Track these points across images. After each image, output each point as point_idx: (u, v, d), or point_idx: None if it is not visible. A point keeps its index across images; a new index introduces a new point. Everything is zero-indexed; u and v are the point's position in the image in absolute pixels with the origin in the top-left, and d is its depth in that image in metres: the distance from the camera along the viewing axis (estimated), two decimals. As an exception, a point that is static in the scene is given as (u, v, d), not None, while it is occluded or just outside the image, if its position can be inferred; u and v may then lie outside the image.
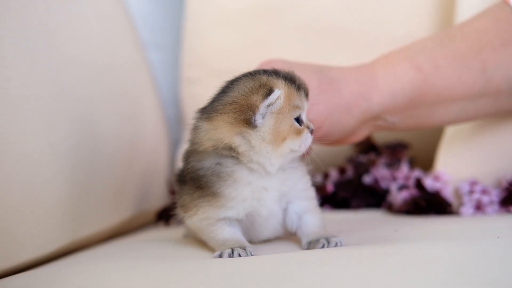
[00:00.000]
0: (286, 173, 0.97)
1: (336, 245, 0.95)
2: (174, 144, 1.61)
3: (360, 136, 1.14)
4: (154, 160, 1.43)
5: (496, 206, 1.20)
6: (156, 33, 1.67)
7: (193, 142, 0.97)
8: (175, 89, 1.64)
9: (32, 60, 1.05)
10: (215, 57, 1.52)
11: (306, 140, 0.95)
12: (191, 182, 0.96)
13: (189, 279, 0.83)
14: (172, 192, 1.43)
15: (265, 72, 0.95)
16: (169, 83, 1.66)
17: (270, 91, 0.91)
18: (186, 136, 1.56)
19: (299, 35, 1.46)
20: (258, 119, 0.92)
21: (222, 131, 0.93)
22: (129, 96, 1.35)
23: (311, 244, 0.96)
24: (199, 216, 0.97)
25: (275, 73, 0.95)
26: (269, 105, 0.92)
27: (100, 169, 1.19)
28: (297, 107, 0.94)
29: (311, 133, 0.95)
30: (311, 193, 1.00)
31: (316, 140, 0.99)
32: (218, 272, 0.85)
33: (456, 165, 1.24)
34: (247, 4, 1.50)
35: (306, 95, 0.96)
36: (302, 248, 0.98)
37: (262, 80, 0.93)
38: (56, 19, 1.14)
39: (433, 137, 1.40)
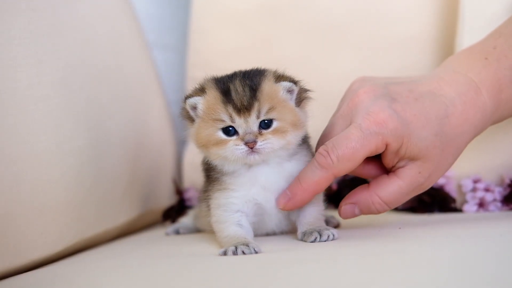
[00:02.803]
0: (290, 165, 0.99)
1: (328, 238, 0.96)
2: (180, 143, 1.61)
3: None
4: (160, 159, 1.44)
5: (499, 204, 1.20)
6: (161, 33, 1.67)
7: None
8: (180, 89, 1.64)
9: (40, 61, 1.06)
10: (221, 57, 1.52)
11: (233, 151, 0.95)
12: (204, 171, 1.03)
13: (196, 277, 0.84)
14: (178, 192, 1.44)
15: (223, 77, 0.98)
16: (175, 83, 1.66)
17: (191, 96, 0.97)
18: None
19: (304, 34, 1.46)
20: (192, 116, 0.99)
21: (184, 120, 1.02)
22: (135, 96, 1.36)
23: (305, 236, 0.98)
24: (214, 204, 1.00)
25: (223, 81, 0.97)
26: (194, 108, 0.98)
27: (107, 169, 1.19)
28: (220, 120, 0.95)
29: (251, 145, 0.94)
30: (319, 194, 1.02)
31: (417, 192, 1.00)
32: (224, 270, 0.85)
33: (459, 161, 1.24)
34: (253, 4, 1.50)
35: (239, 110, 0.94)
36: (297, 238, 1.00)
37: (206, 83, 0.98)
38: (63, 21, 1.15)
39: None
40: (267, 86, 0.97)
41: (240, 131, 0.95)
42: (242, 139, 0.95)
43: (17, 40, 1.02)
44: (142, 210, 1.33)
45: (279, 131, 0.96)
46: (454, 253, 0.85)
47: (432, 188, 1.23)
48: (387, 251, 0.88)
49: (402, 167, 1.00)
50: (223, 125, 0.95)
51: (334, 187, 1.36)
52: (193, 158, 1.52)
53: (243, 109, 0.94)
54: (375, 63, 1.37)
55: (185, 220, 1.24)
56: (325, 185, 0.98)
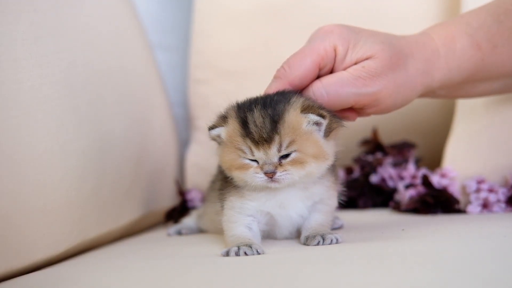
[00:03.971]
0: (310, 189, 0.99)
1: (331, 242, 0.96)
2: (183, 144, 1.61)
3: (409, 102, 1.11)
4: (162, 160, 1.44)
5: (502, 205, 1.20)
6: (164, 34, 1.68)
7: None
8: (183, 89, 1.65)
9: (43, 62, 1.06)
10: (223, 58, 1.52)
11: (253, 178, 0.94)
12: (221, 171, 1.02)
13: (198, 278, 0.84)
14: (181, 192, 1.44)
15: (245, 105, 0.96)
16: (177, 84, 1.66)
17: (213, 127, 0.97)
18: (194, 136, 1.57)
19: (306, 35, 1.46)
20: (217, 141, 0.99)
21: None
22: (137, 97, 1.36)
23: (308, 240, 0.98)
24: (228, 206, 1.00)
25: (245, 110, 0.95)
26: (217, 135, 0.98)
27: (110, 170, 1.20)
28: (241, 150, 0.95)
29: (270, 175, 0.93)
30: (331, 206, 1.03)
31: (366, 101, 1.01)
32: (226, 271, 0.85)
33: (463, 162, 1.24)
34: (255, 5, 1.50)
35: (257, 143, 0.93)
36: (300, 243, 0.99)
37: (228, 111, 0.98)
38: (66, 22, 1.15)
39: (440, 137, 1.40)
40: (291, 117, 0.94)
41: (259, 161, 0.94)
42: (262, 168, 0.94)
43: (19, 41, 1.02)
44: (144, 211, 1.33)
45: (298, 162, 0.94)
46: (458, 254, 0.84)
47: (435, 189, 1.23)
48: (390, 252, 0.88)
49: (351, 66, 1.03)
50: (243, 155, 0.95)
51: (339, 186, 1.36)
52: (195, 159, 1.52)
53: (262, 142, 0.93)
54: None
55: (187, 221, 1.24)
56: None
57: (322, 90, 1.00)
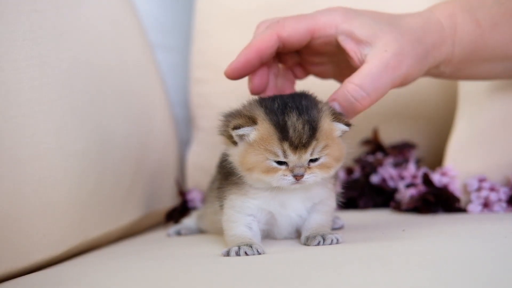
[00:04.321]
0: (312, 190, 1.00)
1: (331, 242, 0.96)
2: (183, 144, 1.62)
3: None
4: (163, 160, 1.44)
5: (504, 204, 1.20)
6: (164, 34, 1.68)
7: None
8: (183, 90, 1.65)
9: (43, 62, 1.06)
10: (224, 58, 1.51)
11: (280, 180, 0.94)
12: (221, 169, 1.02)
13: (199, 278, 0.84)
14: (181, 193, 1.44)
15: (272, 106, 0.95)
16: (178, 84, 1.66)
17: (239, 126, 0.94)
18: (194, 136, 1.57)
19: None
20: (235, 139, 0.96)
21: (219, 138, 1.00)
22: (138, 97, 1.36)
23: (308, 240, 0.98)
24: (228, 204, 1.00)
25: (275, 112, 0.94)
26: (241, 135, 0.95)
27: (110, 170, 1.20)
28: (273, 153, 0.94)
29: (298, 178, 0.94)
30: (330, 207, 1.03)
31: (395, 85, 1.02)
32: (227, 271, 0.85)
33: (464, 161, 1.24)
34: (256, 5, 1.50)
35: (295, 147, 0.93)
36: (300, 243, 1.00)
37: (253, 111, 0.96)
38: (66, 22, 1.15)
39: (440, 137, 1.40)
40: (326, 125, 0.95)
41: (290, 164, 0.94)
42: (291, 171, 0.94)
43: (20, 42, 1.02)
44: (145, 211, 1.33)
45: (325, 166, 0.96)
46: (459, 255, 0.85)
47: (436, 188, 1.23)
48: (391, 253, 0.88)
49: (368, 53, 1.02)
50: (273, 158, 0.94)
51: (338, 188, 1.36)
52: (196, 160, 1.52)
53: (300, 147, 0.93)
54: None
55: (187, 221, 1.24)
56: (267, 41, 1.02)
57: (361, 92, 1.01)
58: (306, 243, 0.98)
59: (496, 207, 1.20)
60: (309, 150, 0.94)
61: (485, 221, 1.11)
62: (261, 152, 0.94)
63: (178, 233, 1.21)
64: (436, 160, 1.38)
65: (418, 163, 1.38)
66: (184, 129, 1.65)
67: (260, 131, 0.94)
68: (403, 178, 1.32)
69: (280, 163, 0.94)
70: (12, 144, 0.98)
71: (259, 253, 0.93)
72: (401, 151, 1.39)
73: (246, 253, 0.93)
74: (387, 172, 1.35)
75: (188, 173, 1.54)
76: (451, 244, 0.92)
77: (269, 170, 0.94)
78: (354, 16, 1.03)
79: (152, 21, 1.64)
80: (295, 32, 1.03)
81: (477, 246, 0.89)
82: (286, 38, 1.03)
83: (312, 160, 0.95)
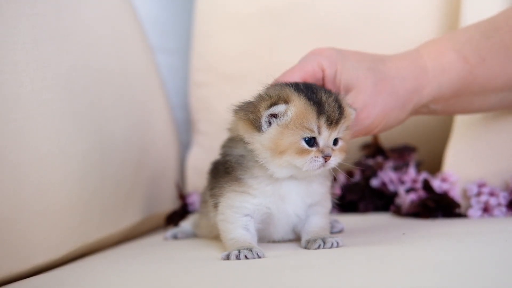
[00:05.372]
0: (312, 186, 1.00)
1: (332, 246, 0.97)
2: (183, 147, 1.62)
3: (401, 121, 1.14)
4: (163, 163, 1.44)
5: (503, 209, 1.20)
6: (165, 37, 1.68)
7: (228, 127, 1.03)
8: (184, 92, 1.65)
9: (43, 65, 1.06)
10: (224, 61, 1.52)
11: (311, 163, 0.95)
12: (222, 166, 1.02)
13: (199, 282, 0.84)
14: (181, 196, 1.44)
15: (297, 87, 0.97)
16: (178, 87, 1.67)
17: (275, 103, 0.94)
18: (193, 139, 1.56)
19: (307, 38, 1.46)
20: (263, 125, 0.95)
21: (238, 124, 0.99)
22: (138, 100, 1.36)
23: (309, 243, 0.98)
24: (226, 203, 1.00)
25: (306, 91, 0.96)
26: (275, 116, 0.95)
27: (110, 173, 1.20)
28: (309, 129, 0.94)
29: (326, 159, 0.95)
30: (327, 208, 1.04)
31: (361, 134, 1.05)
32: (227, 275, 0.85)
33: (463, 166, 1.24)
34: (256, 8, 1.50)
35: (330, 123, 0.95)
36: (301, 246, 1.00)
37: (282, 91, 0.96)
38: (66, 25, 1.15)
39: (440, 140, 1.40)
40: (347, 107, 0.98)
41: (321, 143, 0.95)
42: (322, 152, 0.95)
43: (20, 45, 1.02)
44: (145, 214, 1.33)
45: (342, 150, 0.98)
46: (459, 259, 0.85)
47: (436, 194, 1.23)
48: (391, 256, 0.88)
49: None
50: (308, 135, 0.95)
51: (338, 192, 1.36)
52: (196, 163, 1.52)
53: (334, 123, 0.95)
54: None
55: (184, 225, 1.24)
56: None
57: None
58: (306, 247, 0.98)
59: (496, 211, 1.20)
60: (339, 127, 0.96)
61: (485, 225, 1.11)
62: (297, 131, 0.94)
63: (175, 237, 1.22)
64: (436, 163, 1.38)
65: (418, 166, 1.38)
66: (184, 132, 1.65)
67: (297, 107, 0.95)
68: (403, 182, 1.32)
69: (311, 145, 0.95)
70: (12, 147, 0.98)
71: (259, 257, 0.93)
72: (401, 155, 1.39)
73: (246, 257, 0.93)
74: (387, 175, 1.35)
75: (188, 176, 1.54)
76: (451, 248, 0.92)
77: (302, 152, 0.95)
78: (338, 60, 1.06)
79: (152, 24, 1.64)
80: None
81: (478, 250, 0.89)
82: None
83: (334, 143, 0.97)
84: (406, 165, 1.36)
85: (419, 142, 1.43)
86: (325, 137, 0.95)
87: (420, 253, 0.90)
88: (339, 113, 0.96)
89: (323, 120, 0.95)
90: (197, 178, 1.51)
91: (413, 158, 1.39)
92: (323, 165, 0.96)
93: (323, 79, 1.05)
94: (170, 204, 1.44)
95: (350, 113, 0.99)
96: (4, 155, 0.97)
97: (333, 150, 0.96)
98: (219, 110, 1.51)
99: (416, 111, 1.14)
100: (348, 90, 1.05)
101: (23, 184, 0.99)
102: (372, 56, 1.10)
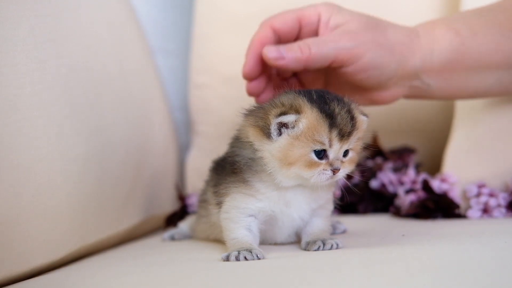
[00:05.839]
0: (318, 192, 0.99)
1: (331, 247, 0.96)
2: (183, 149, 1.62)
3: (394, 95, 1.14)
4: (162, 165, 1.44)
5: (503, 210, 1.20)
6: (164, 39, 1.68)
7: (238, 129, 1.02)
8: (183, 94, 1.65)
9: (43, 67, 1.06)
10: (224, 63, 1.52)
11: (319, 175, 0.94)
12: (229, 166, 1.00)
13: (199, 283, 0.84)
14: (181, 197, 1.44)
15: (311, 96, 0.96)
16: (178, 88, 1.66)
17: (286, 112, 0.93)
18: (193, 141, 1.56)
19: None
20: (273, 133, 0.94)
21: (248, 130, 0.97)
22: (137, 102, 1.36)
23: (309, 245, 0.98)
24: (231, 204, 0.99)
25: (319, 101, 0.95)
26: (285, 126, 0.94)
27: (110, 175, 1.19)
28: (320, 142, 0.93)
29: (334, 172, 0.94)
30: (329, 210, 1.04)
31: (356, 78, 1.07)
32: (226, 277, 0.85)
33: (463, 167, 1.24)
34: (256, 10, 1.50)
35: (342, 136, 0.94)
36: (301, 248, 1.00)
37: (295, 101, 0.95)
38: (66, 27, 1.15)
39: (440, 141, 1.40)
40: (359, 117, 0.97)
41: (331, 156, 0.94)
42: (331, 165, 0.94)
43: (20, 47, 1.02)
44: (144, 216, 1.33)
45: (352, 161, 0.98)
46: (458, 260, 0.85)
47: (435, 194, 1.23)
48: (391, 258, 0.88)
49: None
50: (319, 147, 0.94)
51: (337, 193, 1.36)
52: (195, 164, 1.52)
53: (345, 136, 0.94)
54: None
55: (182, 226, 1.24)
56: (265, 34, 1.10)
57: (307, 46, 1.07)
58: (306, 248, 0.98)
59: (496, 212, 1.20)
60: (351, 139, 0.95)
61: (484, 226, 1.11)
62: (307, 143, 0.93)
63: (172, 238, 1.22)
64: (435, 164, 1.38)
65: (418, 167, 1.38)
66: (184, 133, 1.65)
67: (309, 119, 0.94)
68: (403, 183, 1.32)
69: (321, 157, 0.94)
70: (12, 148, 0.98)
71: (259, 258, 0.93)
72: (400, 156, 1.39)
73: (245, 258, 0.93)
74: (386, 177, 1.35)
75: (187, 177, 1.54)
76: (451, 249, 0.92)
77: (311, 164, 0.94)
78: (334, 8, 1.11)
79: (151, 25, 1.64)
80: (285, 22, 1.11)
81: (477, 251, 0.89)
82: (279, 28, 1.10)
83: (344, 154, 0.96)
84: (405, 166, 1.36)
85: (418, 143, 1.43)
86: (335, 150, 0.94)
87: (420, 254, 0.89)
88: (351, 125, 0.95)
89: (334, 133, 0.94)
90: (196, 179, 1.50)
91: (413, 159, 1.39)
92: (331, 177, 0.95)
93: (318, 22, 1.10)
94: (169, 205, 1.44)
95: (362, 123, 0.97)
96: (3, 157, 0.97)
97: (342, 162, 0.95)
98: (218, 112, 1.51)
99: (411, 87, 1.14)
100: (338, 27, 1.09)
101: (23, 186, 0.99)
102: (366, 14, 1.14)
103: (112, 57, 1.29)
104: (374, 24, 1.10)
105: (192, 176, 1.52)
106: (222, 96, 1.50)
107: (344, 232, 1.12)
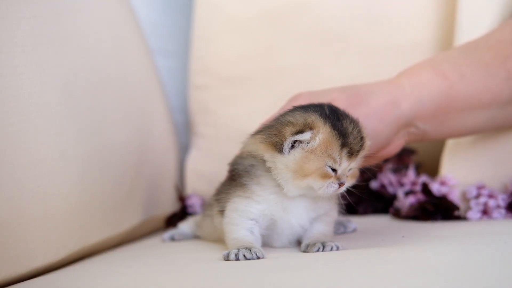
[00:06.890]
0: (318, 203, 1.01)
1: (331, 250, 0.97)
2: (182, 150, 1.62)
3: (397, 146, 1.15)
4: (162, 166, 1.44)
5: (503, 211, 1.20)
6: (164, 40, 1.68)
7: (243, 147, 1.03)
8: (183, 95, 1.65)
9: (43, 68, 1.06)
10: (223, 64, 1.52)
11: (327, 187, 0.96)
12: (229, 174, 1.03)
13: (198, 284, 0.84)
14: (181, 198, 1.44)
15: (323, 112, 0.98)
16: (177, 89, 1.66)
17: (302, 131, 0.95)
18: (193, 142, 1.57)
19: (307, 41, 1.46)
20: (285, 149, 0.96)
21: (257, 146, 0.99)
22: (137, 103, 1.36)
23: (308, 247, 0.99)
24: (231, 207, 1.00)
25: (332, 118, 0.97)
26: (300, 141, 0.96)
27: (110, 176, 1.20)
28: (333, 158, 0.96)
29: (340, 185, 0.97)
30: (332, 217, 1.05)
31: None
32: (226, 277, 0.86)
33: (461, 170, 1.24)
34: (255, 12, 1.50)
35: (351, 155, 0.97)
36: (300, 250, 1.00)
37: (308, 118, 0.97)
38: (66, 28, 1.15)
39: (439, 143, 1.40)
40: (367, 138, 1.00)
41: (339, 171, 0.97)
42: (338, 179, 0.97)
43: (19, 48, 1.03)
44: (144, 216, 1.33)
45: (353, 176, 1.00)
46: (458, 261, 0.85)
47: (435, 197, 1.23)
48: (390, 259, 0.88)
49: None
50: (331, 164, 0.96)
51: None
52: (195, 165, 1.52)
53: (354, 155, 0.97)
54: (378, 70, 1.37)
55: (182, 226, 1.24)
56: None
57: None
58: (305, 250, 0.99)
59: (495, 213, 1.20)
60: (358, 158, 0.98)
61: (484, 227, 1.11)
62: (322, 158, 0.96)
63: (172, 238, 1.22)
64: (435, 165, 1.38)
65: (418, 169, 1.38)
66: (184, 134, 1.65)
67: (324, 135, 0.96)
68: (403, 185, 1.32)
69: (332, 169, 0.96)
70: (11, 150, 0.98)
71: (258, 257, 0.94)
72: (400, 157, 1.39)
73: (245, 256, 0.93)
74: (386, 178, 1.35)
75: (187, 178, 1.54)
76: (451, 250, 0.92)
77: (325, 176, 0.96)
78: (314, 95, 1.09)
79: (151, 26, 1.64)
80: None
81: (477, 252, 0.89)
82: None
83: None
84: (405, 167, 1.36)
85: (418, 144, 1.43)
86: (344, 167, 0.97)
87: (420, 255, 0.90)
88: (360, 145, 0.98)
89: (345, 152, 0.96)
90: (196, 181, 1.51)
91: (413, 161, 1.39)
92: (336, 190, 0.97)
93: None
94: (169, 206, 1.44)
95: (368, 144, 1.00)
96: (3, 158, 0.97)
97: (347, 177, 0.98)
98: (218, 113, 1.51)
99: (410, 135, 1.15)
100: None
101: (22, 187, 0.99)
102: (346, 85, 1.13)
103: (112, 58, 1.30)
104: (355, 98, 1.10)
105: (191, 177, 1.52)
106: (222, 97, 1.50)
107: (354, 230, 1.13)
